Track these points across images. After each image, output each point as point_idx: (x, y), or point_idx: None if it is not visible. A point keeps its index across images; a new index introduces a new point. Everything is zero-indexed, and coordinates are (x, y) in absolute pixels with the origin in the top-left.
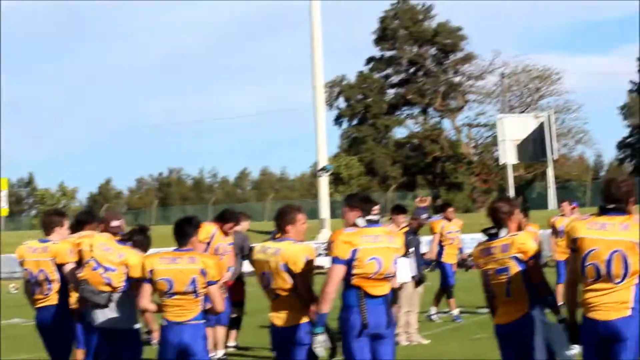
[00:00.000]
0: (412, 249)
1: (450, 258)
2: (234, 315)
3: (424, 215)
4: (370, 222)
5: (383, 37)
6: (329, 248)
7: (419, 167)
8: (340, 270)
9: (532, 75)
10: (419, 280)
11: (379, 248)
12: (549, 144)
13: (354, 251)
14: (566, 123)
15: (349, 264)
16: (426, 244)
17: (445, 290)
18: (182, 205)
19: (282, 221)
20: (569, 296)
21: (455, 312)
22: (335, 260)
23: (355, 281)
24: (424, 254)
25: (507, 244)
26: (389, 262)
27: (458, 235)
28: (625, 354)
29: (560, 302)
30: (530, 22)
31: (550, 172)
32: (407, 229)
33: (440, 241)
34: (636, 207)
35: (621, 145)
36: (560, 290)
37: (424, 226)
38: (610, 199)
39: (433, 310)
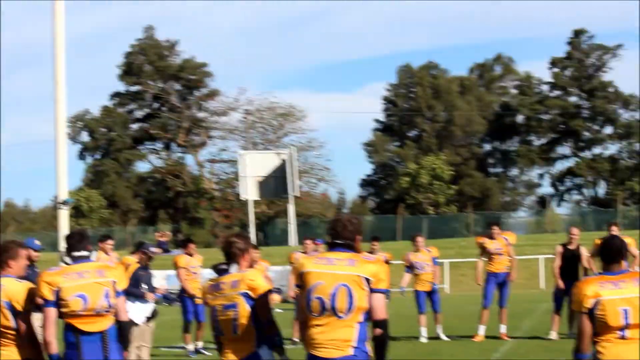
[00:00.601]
0: (144, 285)
1: (192, 292)
2: None
3: (153, 249)
4: (78, 259)
5: (128, 72)
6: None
7: (160, 202)
8: (50, 312)
9: (277, 112)
10: (151, 315)
11: (85, 284)
12: (291, 181)
13: (57, 291)
14: (309, 160)
15: (56, 303)
16: (163, 278)
17: (185, 324)
18: None
19: (3, 257)
20: (303, 333)
21: (191, 347)
22: (44, 302)
23: (67, 319)
24: (156, 288)
25: (237, 280)
26: (97, 298)
27: (199, 270)
28: None
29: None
30: (276, 60)
31: (291, 209)
32: (137, 265)
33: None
34: (376, 244)
35: (364, 183)
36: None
37: (154, 259)
38: (338, 236)
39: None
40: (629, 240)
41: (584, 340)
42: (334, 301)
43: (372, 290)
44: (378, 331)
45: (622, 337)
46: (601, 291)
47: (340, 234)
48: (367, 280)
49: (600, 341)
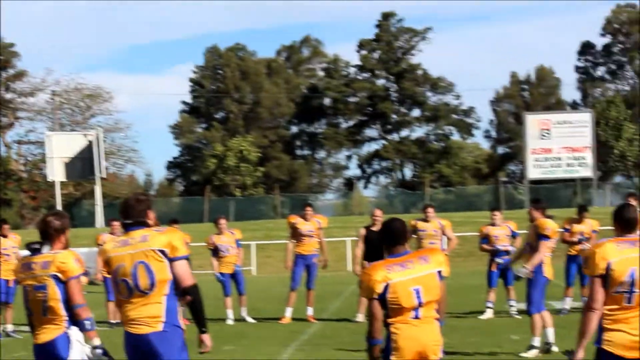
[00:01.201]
0: None
1: (5, 274)
2: None
3: None
4: None
5: None
6: None
7: None
8: None
9: (84, 94)
10: None
11: None
12: (97, 162)
13: None
14: (116, 142)
15: None
16: None
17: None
18: None
19: None
20: (121, 313)
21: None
22: None
23: None
24: None
25: (48, 261)
26: None
27: (16, 251)
28: None
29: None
30: (85, 41)
31: (97, 191)
32: None
33: None
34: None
35: (171, 165)
36: (111, 308)
37: None
38: (129, 216)
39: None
40: (445, 222)
41: (376, 326)
42: (136, 280)
43: (171, 260)
44: (188, 298)
45: (416, 317)
46: (390, 274)
47: (130, 213)
48: (162, 251)
49: (394, 323)
